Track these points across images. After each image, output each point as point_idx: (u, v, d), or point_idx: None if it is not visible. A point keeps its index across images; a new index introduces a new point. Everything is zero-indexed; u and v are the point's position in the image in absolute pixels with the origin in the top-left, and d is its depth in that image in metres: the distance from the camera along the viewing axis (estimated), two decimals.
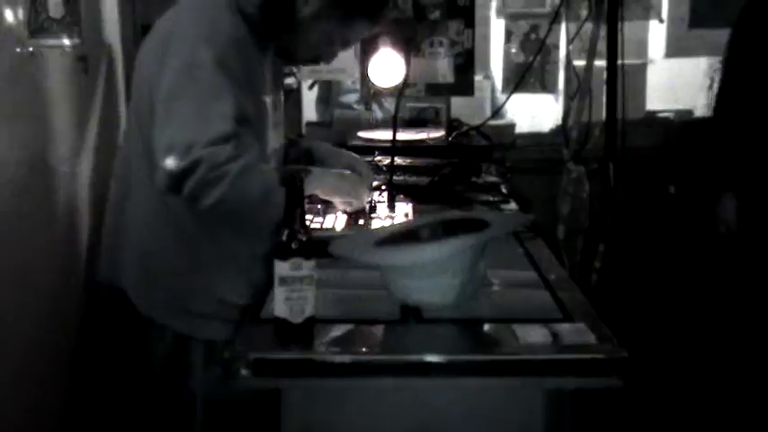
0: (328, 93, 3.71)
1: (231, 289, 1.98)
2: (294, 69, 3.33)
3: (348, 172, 2.20)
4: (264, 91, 2.09)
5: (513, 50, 3.63)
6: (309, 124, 3.58)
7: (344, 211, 2.15)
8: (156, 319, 2.05)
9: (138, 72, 2.04)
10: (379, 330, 1.50)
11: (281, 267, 1.39)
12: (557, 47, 3.60)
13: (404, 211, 2.21)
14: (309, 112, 3.75)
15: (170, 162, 1.80)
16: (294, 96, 3.51)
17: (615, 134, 2.91)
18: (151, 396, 2.18)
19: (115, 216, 2.13)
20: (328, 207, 2.16)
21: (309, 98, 3.74)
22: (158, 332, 2.06)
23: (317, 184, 2.08)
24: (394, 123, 2.35)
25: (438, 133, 3.08)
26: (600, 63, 3.11)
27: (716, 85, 3.30)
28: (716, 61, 3.50)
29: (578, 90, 3.13)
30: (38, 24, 2.21)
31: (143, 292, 2.06)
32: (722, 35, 3.16)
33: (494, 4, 3.62)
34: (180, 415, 2.10)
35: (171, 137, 1.82)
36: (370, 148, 2.72)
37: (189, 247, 2.00)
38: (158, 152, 1.83)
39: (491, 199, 2.39)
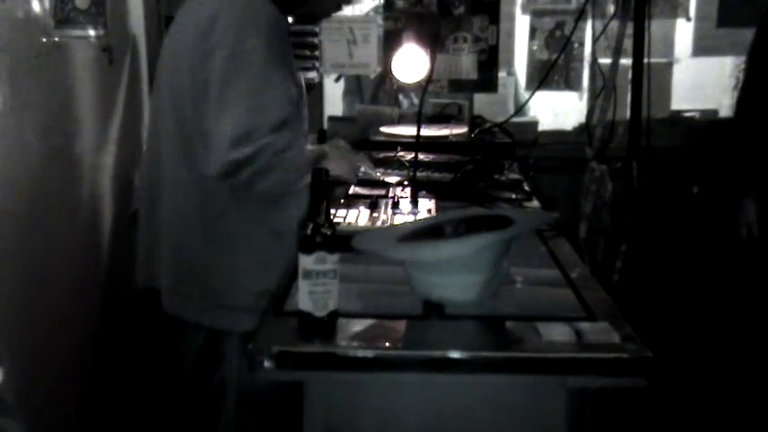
0: (357, 86, 3.70)
1: (268, 279, 1.98)
2: (317, 64, 3.34)
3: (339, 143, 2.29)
4: (296, 71, 2.12)
5: (538, 47, 3.61)
6: (332, 119, 3.58)
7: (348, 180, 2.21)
8: (188, 318, 2.06)
9: (173, 62, 2.05)
10: (401, 326, 1.49)
11: (306, 261, 1.39)
12: (582, 44, 3.58)
13: (426, 207, 2.20)
14: (331, 107, 3.75)
15: (232, 149, 1.84)
16: (316, 91, 3.51)
17: (639, 133, 2.89)
18: (180, 390, 2.20)
19: (147, 222, 2.14)
20: (351, 202, 2.16)
21: (330, 93, 3.74)
22: (189, 332, 2.07)
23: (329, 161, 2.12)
24: (418, 119, 2.34)
25: (461, 130, 3.07)
26: (625, 61, 3.09)
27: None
28: (742, 61, 3.46)
29: (603, 88, 3.11)
30: (64, 15, 2.22)
31: (177, 292, 2.06)
32: (750, 34, 3.13)
33: (519, 1, 3.60)
34: (210, 407, 2.11)
35: (230, 125, 1.86)
36: (393, 144, 2.72)
37: (225, 241, 2.01)
38: (217, 140, 1.87)
39: (513, 196, 2.38)
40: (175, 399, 2.26)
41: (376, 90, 3.66)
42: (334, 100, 3.81)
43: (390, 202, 2.18)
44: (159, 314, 2.13)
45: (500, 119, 3.17)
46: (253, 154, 1.85)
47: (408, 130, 2.92)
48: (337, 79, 3.58)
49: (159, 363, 2.40)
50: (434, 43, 3.02)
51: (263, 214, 2.02)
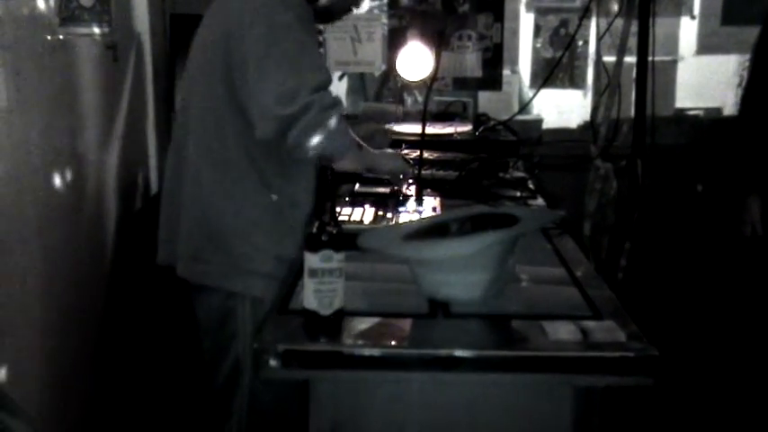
0: (361, 83, 3.70)
1: (285, 245, 2.04)
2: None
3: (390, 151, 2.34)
4: None
5: (542, 45, 3.60)
6: None
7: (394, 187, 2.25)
8: (209, 284, 2.09)
9: (208, 39, 2.10)
10: (407, 324, 1.49)
11: (312, 259, 1.38)
12: (586, 42, 3.58)
13: (431, 205, 2.20)
14: None
15: (278, 107, 1.92)
16: None
17: (644, 131, 2.89)
18: (196, 368, 2.21)
19: (171, 200, 2.16)
20: (356, 200, 2.16)
21: (334, 91, 3.73)
22: (207, 301, 2.10)
23: (368, 161, 2.17)
24: (423, 117, 2.34)
25: (465, 128, 3.07)
26: (629, 59, 3.09)
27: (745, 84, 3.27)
28: (747, 59, 3.45)
29: (607, 86, 3.11)
30: (68, 12, 2.22)
31: (198, 259, 2.09)
32: (754, 32, 3.12)
33: None
34: (225, 385, 2.12)
35: (275, 86, 1.93)
36: (397, 142, 2.72)
37: (245, 207, 2.07)
38: (263, 104, 1.94)
39: (518, 194, 2.38)
40: (191, 379, 2.27)
41: (380, 88, 3.66)
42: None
43: (395, 200, 2.18)
44: (178, 290, 2.15)
45: (504, 117, 3.16)
46: (300, 110, 1.91)
47: (413, 128, 2.91)
48: (341, 77, 3.58)
49: (174, 341, 2.39)
50: (439, 41, 3.01)
51: (280, 183, 2.08)
